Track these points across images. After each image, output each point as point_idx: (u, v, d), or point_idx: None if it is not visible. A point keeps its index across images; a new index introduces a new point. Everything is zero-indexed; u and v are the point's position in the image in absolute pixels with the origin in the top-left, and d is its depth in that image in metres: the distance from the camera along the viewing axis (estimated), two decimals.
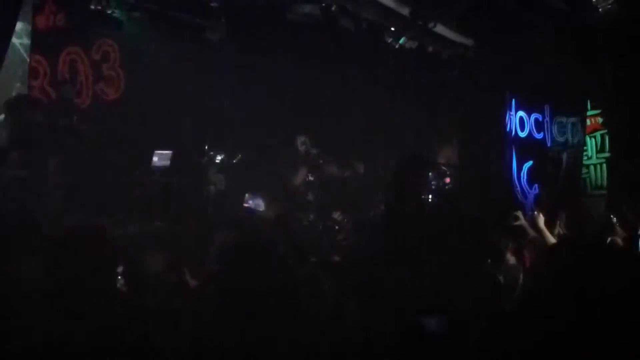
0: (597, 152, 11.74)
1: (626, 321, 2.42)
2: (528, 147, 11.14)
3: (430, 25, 9.38)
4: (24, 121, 8.03)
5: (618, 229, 6.84)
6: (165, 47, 10.36)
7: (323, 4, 8.54)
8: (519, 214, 6.13)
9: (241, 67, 10.78)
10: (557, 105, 11.38)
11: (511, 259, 5.51)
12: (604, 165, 11.59)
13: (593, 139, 11.76)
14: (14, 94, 8.53)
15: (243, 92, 10.78)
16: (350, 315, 3.19)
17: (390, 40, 9.84)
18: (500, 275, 4.49)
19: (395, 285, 3.40)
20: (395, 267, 3.67)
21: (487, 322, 2.43)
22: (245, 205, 10.15)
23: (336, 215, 8.79)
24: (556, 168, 11.35)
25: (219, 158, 10.53)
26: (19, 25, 8.06)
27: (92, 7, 8.70)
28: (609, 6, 8.24)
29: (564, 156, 11.40)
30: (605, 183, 11.52)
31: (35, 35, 9.23)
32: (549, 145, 11.38)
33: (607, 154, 11.55)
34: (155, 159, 9.85)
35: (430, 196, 9.39)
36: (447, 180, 9.64)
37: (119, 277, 3.75)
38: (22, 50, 8.90)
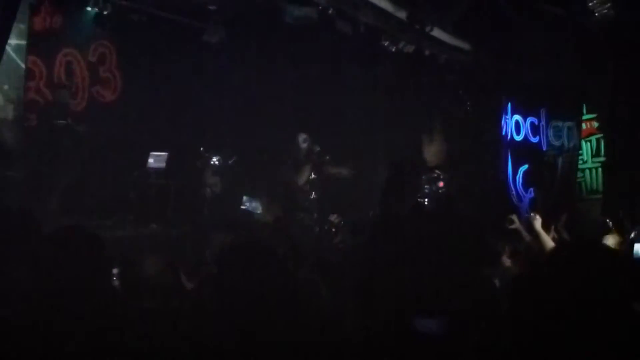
0: (592, 156, 11.77)
1: (624, 325, 2.42)
2: (524, 150, 11.17)
3: (427, 29, 9.40)
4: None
5: (614, 233, 6.85)
6: (163, 50, 10.35)
7: (320, 7, 8.55)
8: (514, 217, 6.16)
9: (238, 70, 10.79)
10: (553, 109, 11.42)
11: (507, 262, 5.51)
12: (600, 170, 11.61)
13: (588, 143, 11.79)
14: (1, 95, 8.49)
15: (240, 94, 10.78)
16: (347, 318, 3.19)
17: (387, 43, 9.85)
18: (496, 278, 4.50)
19: (391, 288, 3.40)
20: (391, 270, 3.67)
21: (483, 325, 2.43)
22: (243, 207, 10.14)
23: (333, 217, 8.77)
24: (552, 172, 11.38)
25: (215, 160, 10.53)
26: None
27: (89, 8, 8.69)
28: (606, 11, 8.27)
29: (560, 160, 11.43)
30: (600, 187, 11.55)
31: (32, 36, 9.23)
32: (544, 149, 11.41)
33: (602, 158, 11.58)
34: (150, 160, 9.84)
35: (424, 200, 9.44)
36: (441, 184, 9.65)
37: (114, 279, 3.75)
38: (9, 51, 8.88)
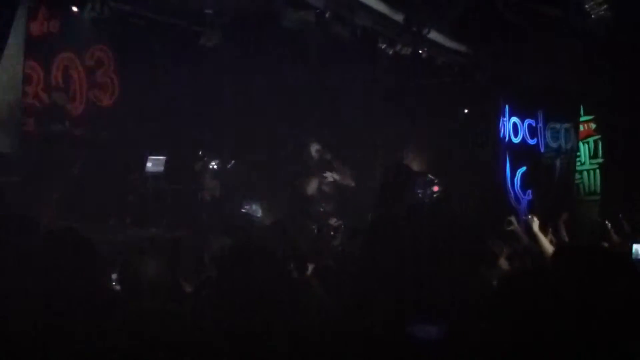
0: (590, 157, 11.79)
1: (625, 328, 2.43)
2: (522, 152, 11.18)
3: (425, 31, 9.40)
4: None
5: (613, 234, 6.86)
6: (160, 54, 10.36)
7: (317, 11, 8.55)
8: (513, 219, 6.15)
9: (236, 74, 10.79)
10: (551, 111, 11.43)
11: (504, 264, 5.51)
12: (597, 171, 11.63)
13: (586, 145, 11.80)
14: None
15: (237, 97, 10.79)
16: (346, 321, 3.18)
17: (384, 46, 9.85)
18: (494, 280, 4.50)
19: (387, 291, 3.40)
20: (386, 274, 3.66)
21: (482, 327, 2.42)
22: (243, 210, 10.14)
23: (332, 221, 8.78)
24: (550, 174, 11.39)
25: (213, 164, 10.53)
26: None
27: (86, 12, 8.69)
28: (602, 12, 8.27)
29: (558, 162, 11.43)
30: (598, 189, 11.56)
31: (29, 41, 9.22)
32: (542, 151, 11.42)
33: (600, 160, 11.60)
34: (149, 164, 9.84)
35: (418, 204, 9.41)
36: (436, 188, 9.62)
37: (114, 282, 3.74)
38: None
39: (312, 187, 9.90)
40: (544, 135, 11.44)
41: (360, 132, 11.49)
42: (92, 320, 2.59)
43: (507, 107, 11.01)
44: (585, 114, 11.70)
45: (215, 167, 10.64)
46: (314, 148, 10.00)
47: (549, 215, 7.21)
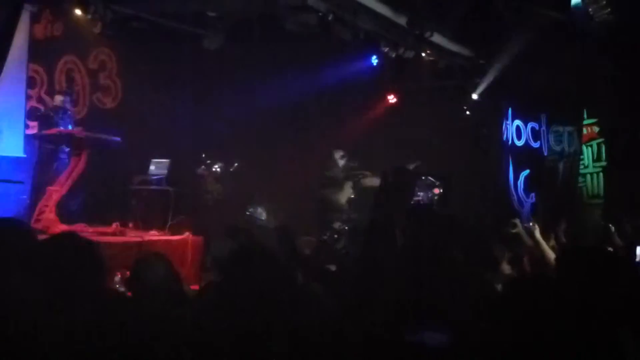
0: (593, 161, 11.77)
1: (626, 329, 2.42)
2: (525, 156, 11.16)
3: (427, 34, 9.39)
4: None
5: (616, 237, 6.84)
6: (163, 57, 10.37)
7: (320, 14, 8.55)
8: (517, 221, 6.11)
9: (238, 76, 10.80)
10: (554, 115, 11.41)
11: (507, 267, 5.49)
12: (601, 174, 11.61)
13: (589, 148, 11.79)
14: None
15: (240, 100, 10.79)
16: (348, 324, 3.18)
17: (386, 49, 9.86)
18: (497, 284, 4.48)
19: (385, 293, 3.39)
20: (385, 275, 3.66)
21: (484, 330, 2.42)
22: (247, 213, 10.13)
23: (336, 225, 8.76)
24: (553, 177, 11.37)
25: (216, 167, 10.53)
26: None
27: (89, 16, 8.70)
28: (605, 16, 8.27)
29: (561, 165, 11.41)
30: (601, 192, 11.54)
31: (33, 44, 9.25)
32: (545, 154, 11.40)
33: (603, 163, 11.58)
34: (152, 167, 9.85)
35: (418, 206, 9.37)
36: (436, 191, 9.59)
37: (117, 285, 3.74)
38: None
39: (345, 194, 9.71)
40: (547, 138, 11.43)
41: (361, 136, 11.49)
42: (96, 321, 2.59)
43: (510, 110, 11.00)
44: (589, 117, 11.69)
45: (218, 170, 10.64)
46: (338, 154, 9.85)
47: (552, 218, 7.20)
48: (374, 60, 10.82)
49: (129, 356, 2.55)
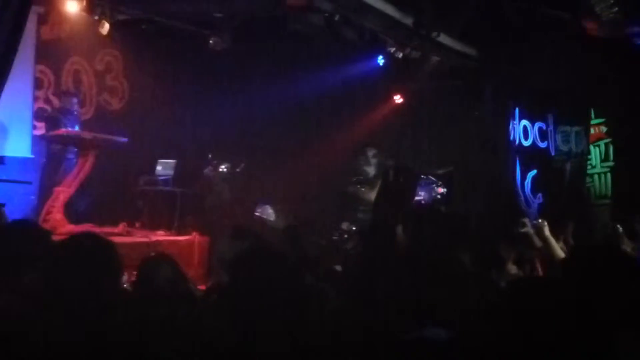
0: (601, 161, 11.72)
1: (630, 331, 2.42)
2: (532, 156, 11.13)
3: (434, 35, 9.38)
4: None
5: (624, 238, 6.81)
6: (169, 58, 10.39)
7: (326, 14, 8.55)
8: (527, 220, 6.05)
9: (244, 77, 10.81)
10: (561, 114, 11.38)
11: (513, 268, 5.47)
12: (608, 175, 11.56)
13: (597, 148, 11.74)
14: None
15: (246, 101, 10.80)
16: (353, 323, 3.17)
17: (393, 50, 9.85)
18: (502, 284, 4.47)
19: (394, 294, 3.39)
20: (387, 276, 3.66)
21: (489, 331, 2.40)
22: (256, 214, 10.13)
23: (345, 225, 8.75)
24: (560, 177, 11.33)
25: (223, 167, 10.54)
26: None
27: (96, 17, 8.73)
28: (613, 15, 8.23)
29: (568, 165, 11.37)
30: (609, 192, 11.49)
31: (40, 45, 9.28)
32: (553, 154, 11.36)
33: (611, 163, 11.53)
34: (158, 167, 9.87)
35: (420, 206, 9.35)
36: (440, 190, 9.55)
37: (125, 286, 3.74)
38: None
39: (375, 192, 9.62)
40: (555, 138, 11.39)
41: (367, 136, 11.48)
42: (108, 322, 2.59)
43: (517, 110, 10.97)
44: (596, 117, 11.64)
45: (225, 170, 10.65)
46: (371, 152, 9.74)
47: (559, 219, 7.17)
48: (380, 60, 10.81)
49: (136, 356, 2.55)
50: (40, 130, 9.23)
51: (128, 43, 10.09)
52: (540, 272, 5.59)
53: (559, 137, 11.42)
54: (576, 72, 9.76)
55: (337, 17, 8.62)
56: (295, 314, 2.63)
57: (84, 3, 8.54)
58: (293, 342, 2.57)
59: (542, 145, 11.29)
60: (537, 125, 11.23)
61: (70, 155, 8.72)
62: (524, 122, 11.07)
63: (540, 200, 11.09)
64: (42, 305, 2.63)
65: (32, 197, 8.84)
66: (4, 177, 8.37)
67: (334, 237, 9.01)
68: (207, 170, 10.51)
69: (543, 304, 2.22)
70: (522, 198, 10.97)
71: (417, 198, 9.00)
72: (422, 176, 9.48)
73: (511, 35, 9.67)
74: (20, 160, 9.03)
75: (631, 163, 10.49)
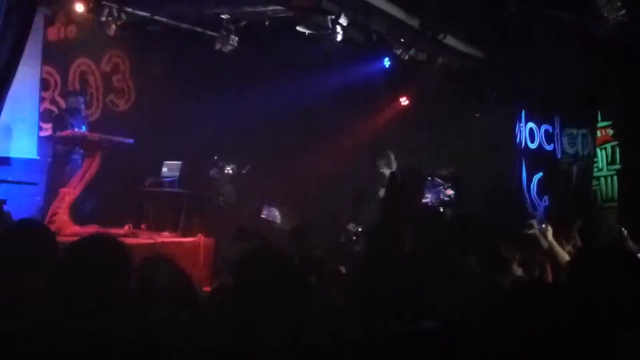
0: (607, 164, 11.67)
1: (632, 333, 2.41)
2: (538, 158, 11.09)
3: (440, 37, 9.37)
4: None
5: (629, 241, 6.78)
6: (176, 59, 10.40)
7: (333, 16, 8.55)
8: (534, 222, 6.03)
9: (251, 78, 10.81)
10: (568, 117, 11.34)
11: (518, 270, 5.45)
12: (615, 177, 11.50)
13: (604, 151, 11.69)
14: None
15: (253, 102, 10.80)
16: (356, 322, 3.17)
17: (399, 51, 9.84)
18: (507, 285, 4.45)
19: (395, 294, 3.38)
20: (395, 276, 3.66)
21: (490, 331, 2.39)
22: (262, 216, 10.12)
23: (350, 226, 8.73)
24: (566, 180, 11.29)
25: (229, 169, 10.54)
26: None
27: (103, 18, 8.74)
28: (620, 18, 8.20)
29: (575, 168, 11.33)
30: (616, 195, 11.44)
31: (46, 47, 9.30)
32: (559, 156, 11.32)
33: (618, 166, 11.48)
34: (164, 169, 9.88)
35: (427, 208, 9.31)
36: (449, 192, 9.50)
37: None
38: None
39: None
40: (561, 141, 11.35)
41: (373, 138, 11.47)
42: (123, 324, 2.59)
43: (523, 112, 10.95)
44: (603, 119, 11.59)
45: (230, 172, 10.65)
46: (393, 155, 9.66)
47: (566, 221, 7.14)
48: (387, 62, 10.80)
49: (137, 356, 2.55)
50: (47, 131, 9.26)
51: (134, 44, 10.11)
52: (550, 276, 5.56)
53: (565, 140, 11.38)
54: (583, 75, 9.73)
55: (343, 19, 8.62)
56: (297, 315, 2.63)
57: (91, 4, 8.57)
58: (295, 343, 2.57)
59: (549, 147, 11.25)
60: (543, 127, 11.19)
61: (76, 157, 8.74)
62: (530, 124, 11.04)
63: (547, 203, 11.06)
64: (47, 306, 2.63)
65: (38, 198, 8.86)
66: (10, 178, 8.39)
67: (342, 239, 8.98)
68: (213, 172, 10.51)
69: (543, 305, 2.22)
70: (528, 200, 10.95)
71: (424, 200, 8.96)
72: (428, 178, 9.43)
73: (517, 37, 9.64)
74: (26, 161, 9.05)
75: (638, 166, 10.45)
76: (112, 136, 8.60)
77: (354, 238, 8.52)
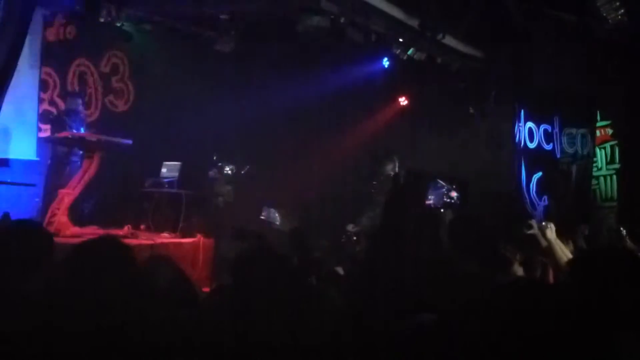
0: (607, 163, 11.67)
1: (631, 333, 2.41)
2: (537, 158, 11.09)
3: (439, 36, 9.37)
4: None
5: (627, 241, 6.78)
6: (175, 60, 10.40)
7: (332, 16, 8.55)
8: (533, 222, 6.01)
9: (250, 79, 10.81)
10: (567, 116, 11.34)
11: (519, 270, 5.44)
12: (614, 177, 11.51)
13: (603, 150, 11.69)
14: None
15: (252, 103, 10.80)
16: (354, 325, 3.16)
17: (398, 52, 9.85)
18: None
19: (398, 292, 3.38)
20: (399, 275, 3.66)
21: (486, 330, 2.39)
22: (261, 217, 10.12)
23: (350, 227, 8.74)
24: (566, 179, 11.29)
25: (228, 169, 10.53)
26: None
27: (102, 19, 8.74)
28: (619, 17, 8.20)
29: (574, 168, 11.33)
30: (615, 195, 11.44)
31: (46, 47, 9.29)
32: (558, 156, 11.32)
33: (617, 166, 11.48)
34: (163, 170, 9.87)
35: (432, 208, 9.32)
36: (453, 194, 9.49)
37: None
38: None
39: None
40: (560, 140, 11.35)
41: (373, 138, 11.47)
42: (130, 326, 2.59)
43: (522, 112, 10.95)
44: (602, 119, 11.59)
45: (229, 172, 10.65)
46: (397, 161, 9.62)
47: (565, 221, 7.14)
48: (386, 62, 10.81)
49: (137, 356, 2.55)
50: (46, 132, 9.25)
51: (134, 45, 10.10)
52: (552, 276, 5.54)
53: (564, 139, 11.38)
54: (582, 74, 9.74)
55: (343, 19, 8.62)
56: (296, 315, 2.63)
57: (90, 5, 8.56)
58: (294, 342, 2.57)
59: (548, 147, 11.25)
60: (542, 127, 11.20)
61: (75, 158, 8.72)
62: (530, 124, 11.04)
63: (546, 203, 11.06)
64: (47, 306, 2.63)
65: (37, 199, 8.84)
66: (9, 180, 8.38)
67: (342, 240, 8.99)
68: (212, 173, 10.51)
69: (542, 305, 2.22)
70: (527, 200, 10.95)
71: (427, 202, 8.98)
72: (432, 179, 9.45)
73: (516, 37, 9.65)
74: (25, 162, 9.03)
75: (637, 165, 10.45)
76: (111, 137, 8.58)
77: (355, 238, 8.54)
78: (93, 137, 8.47)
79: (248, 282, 2.74)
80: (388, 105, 11.92)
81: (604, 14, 8.33)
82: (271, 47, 10.18)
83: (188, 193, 9.54)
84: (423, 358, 2.41)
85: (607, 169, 11.63)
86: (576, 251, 6.09)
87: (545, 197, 11.08)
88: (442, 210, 9.15)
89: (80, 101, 9.27)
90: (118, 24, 9.15)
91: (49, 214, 8.10)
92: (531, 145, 11.05)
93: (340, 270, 5.40)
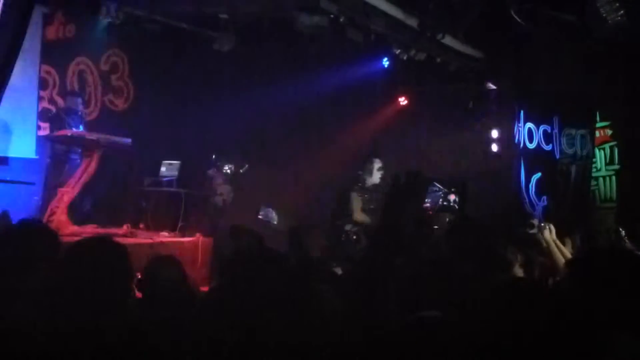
0: (606, 164, 11.69)
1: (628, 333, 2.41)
2: (537, 158, 11.10)
3: (439, 37, 9.37)
4: None
5: (626, 241, 6.77)
6: (174, 58, 10.39)
7: (332, 16, 8.54)
8: (535, 222, 5.99)
9: (249, 78, 10.80)
10: (566, 117, 11.35)
11: (520, 271, 5.44)
12: (613, 178, 11.53)
13: (602, 151, 11.71)
14: None
15: (251, 102, 10.79)
16: (351, 325, 3.16)
17: (398, 52, 9.84)
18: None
19: (398, 292, 3.38)
20: (395, 277, 3.65)
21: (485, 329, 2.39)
22: (259, 217, 10.10)
23: (348, 227, 8.72)
24: (565, 180, 11.30)
25: (226, 168, 10.53)
26: None
27: (101, 18, 8.73)
28: (619, 18, 8.20)
29: (573, 168, 11.35)
30: (614, 195, 11.47)
31: (45, 46, 9.29)
32: (557, 157, 11.34)
33: (616, 166, 11.50)
34: (163, 169, 9.87)
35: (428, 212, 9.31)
36: (452, 197, 9.48)
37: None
38: None
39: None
40: (560, 141, 11.36)
41: (372, 138, 11.46)
42: (112, 322, 2.58)
43: (522, 112, 10.95)
44: (601, 120, 11.61)
45: (228, 171, 10.64)
46: (377, 165, 9.42)
47: (564, 222, 7.14)
48: (385, 62, 10.80)
49: (138, 356, 2.55)
50: (45, 130, 9.24)
51: (133, 44, 10.10)
52: (551, 277, 5.54)
53: (564, 140, 11.39)
54: (581, 75, 9.74)
55: (342, 19, 8.62)
56: (295, 315, 2.62)
57: (90, 3, 8.56)
58: (293, 342, 2.56)
59: (547, 148, 11.26)
60: (542, 127, 11.20)
61: (74, 156, 8.71)
62: (529, 124, 11.05)
63: (545, 203, 11.07)
64: (47, 306, 2.63)
65: (36, 198, 8.83)
66: (8, 178, 8.37)
67: (342, 239, 8.97)
68: (211, 172, 10.51)
69: (540, 305, 2.22)
70: (527, 201, 10.95)
71: (424, 205, 8.98)
72: (431, 181, 9.45)
73: (516, 37, 9.65)
74: (24, 161, 9.03)
75: (636, 166, 10.47)
76: (111, 135, 8.57)
77: (354, 237, 8.53)
78: (92, 136, 8.46)
79: (240, 281, 2.74)
80: (388, 105, 11.91)
81: (604, 14, 8.32)
82: (271, 47, 10.16)
83: (187, 192, 9.54)
84: (423, 358, 2.40)
85: (607, 170, 11.65)
86: (575, 252, 6.09)
87: (545, 197, 11.09)
88: (438, 213, 9.15)
89: (78, 101, 9.26)
90: (117, 22, 9.14)
91: (48, 213, 8.10)
92: (530, 146, 11.05)
93: (338, 270, 5.39)
